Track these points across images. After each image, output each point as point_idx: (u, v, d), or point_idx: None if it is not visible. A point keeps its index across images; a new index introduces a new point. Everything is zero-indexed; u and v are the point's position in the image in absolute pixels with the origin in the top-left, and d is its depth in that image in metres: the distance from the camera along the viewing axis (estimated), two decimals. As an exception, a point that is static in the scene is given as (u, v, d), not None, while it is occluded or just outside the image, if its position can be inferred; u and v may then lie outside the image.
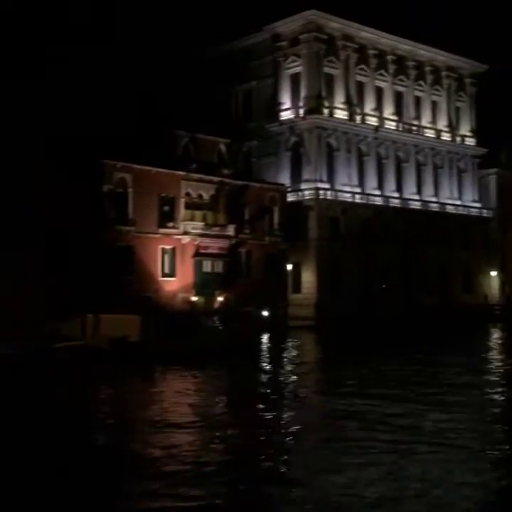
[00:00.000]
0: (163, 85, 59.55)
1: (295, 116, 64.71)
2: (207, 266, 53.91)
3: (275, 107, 66.64)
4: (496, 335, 54.93)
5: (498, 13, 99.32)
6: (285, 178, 65.11)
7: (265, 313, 54.75)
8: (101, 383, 25.43)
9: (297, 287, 63.43)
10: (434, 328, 57.75)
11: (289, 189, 63.69)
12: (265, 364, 32.05)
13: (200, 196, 53.95)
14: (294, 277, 63.44)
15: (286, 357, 36.80)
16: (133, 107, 54.10)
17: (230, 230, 54.93)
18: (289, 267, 61.19)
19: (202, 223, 53.25)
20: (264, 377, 28.07)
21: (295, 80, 65.83)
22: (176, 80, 63.77)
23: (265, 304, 54.97)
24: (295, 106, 65.20)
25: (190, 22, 72.18)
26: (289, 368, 31.13)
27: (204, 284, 53.42)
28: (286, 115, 65.71)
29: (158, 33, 70.37)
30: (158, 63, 64.54)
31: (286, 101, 66.27)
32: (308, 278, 62.84)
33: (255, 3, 69.09)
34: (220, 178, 55.09)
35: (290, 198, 63.19)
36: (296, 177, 64.84)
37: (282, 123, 65.53)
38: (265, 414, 20.44)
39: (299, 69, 65.25)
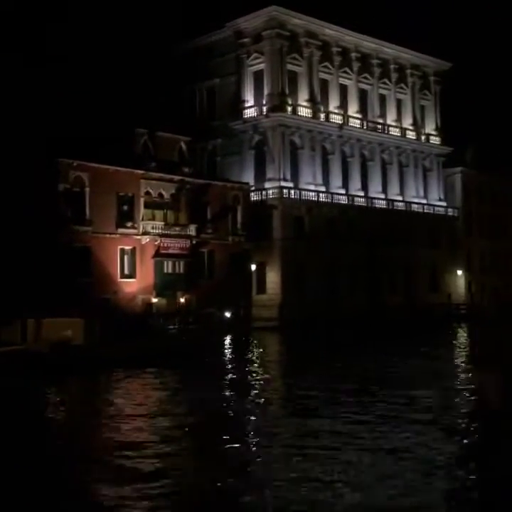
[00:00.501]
0: (124, 83, 58.15)
1: (258, 114, 63.72)
2: (168, 266, 52.65)
3: (238, 104, 65.60)
4: (460, 335, 54.38)
5: (462, 11, 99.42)
6: (249, 177, 64.09)
7: (228, 314, 53.79)
8: (38, 388, 24.18)
9: (262, 288, 62.41)
10: (399, 328, 57.14)
11: (252, 188, 62.71)
12: (211, 367, 30.47)
13: (160, 195, 52.70)
14: (258, 278, 62.42)
15: (238, 359, 35.55)
16: (91, 104, 52.67)
17: (192, 230, 53.74)
18: (253, 267, 60.20)
19: (162, 223, 51.98)
20: (201, 384, 26.00)
21: (258, 77, 64.83)
22: (139, 77, 62.37)
23: (228, 305, 54.01)
24: (258, 104, 64.22)
25: (154, 19, 70.85)
26: (232, 374, 28.99)
27: (165, 285, 52.16)
28: (249, 113, 64.69)
29: (121, 30, 69.00)
30: (120, 61, 63.16)
31: (249, 99, 65.26)
32: (272, 278, 61.87)
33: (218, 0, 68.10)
34: (180, 177, 53.88)
35: (254, 197, 62.25)
36: (260, 176, 63.86)
37: (245, 121, 64.51)
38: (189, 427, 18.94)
39: (261, 66, 64.27)
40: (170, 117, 57.10)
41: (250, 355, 37.41)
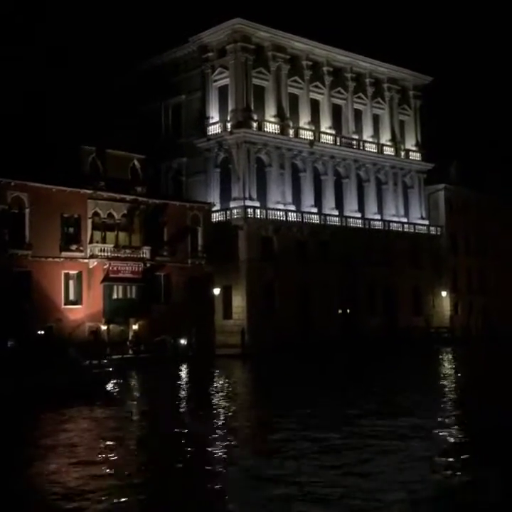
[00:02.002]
0: (75, 100, 55.66)
1: (222, 131, 60.98)
2: (118, 291, 49.61)
3: (203, 121, 62.94)
4: (446, 364, 49.28)
5: (442, 24, 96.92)
6: (215, 197, 61.26)
7: (184, 341, 50.64)
8: None
9: (228, 313, 59.31)
10: (375, 354, 53.33)
11: (217, 208, 59.90)
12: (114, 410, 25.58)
13: (110, 216, 49.84)
14: (224, 302, 59.37)
15: (148, 396, 31.21)
16: (35, 122, 50.14)
17: (145, 252, 50.78)
18: (217, 291, 57.07)
19: (112, 245, 49.05)
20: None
21: (223, 92, 62.17)
22: (95, 94, 60.02)
23: (187, 332, 50.90)
24: (223, 120, 61.50)
25: (120, 35, 68.85)
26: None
27: (115, 312, 49.10)
28: (213, 130, 61.98)
29: (84, 47, 66.98)
30: (77, 77, 60.93)
31: (214, 115, 62.57)
32: (238, 302, 58.76)
33: (184, 14, 65.90)
34: (133, 197, 51.04)
35: (219, 217, 59.44)
36: (226, 195, 61.00)
37: (210, 138, 61.78)
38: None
39: (226, 81, 61.62)
40: (126, 135, 54.30)
41: (174, 390, 34.03)
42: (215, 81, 62.69)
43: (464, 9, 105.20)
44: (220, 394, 30.02)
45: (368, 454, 16.41)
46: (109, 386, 30.86)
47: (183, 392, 32.12)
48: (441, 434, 19.14)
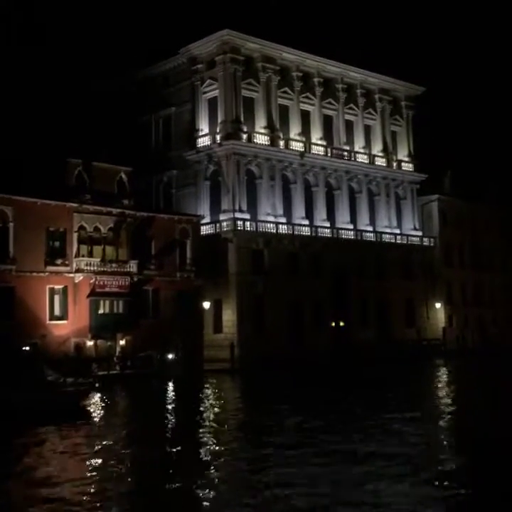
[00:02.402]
0: (63, 113, 55.10)
1: (212, 143, 60.38)
2: (105, 306, 48.77)
3: (193, 134, 62.35)
4: (440, 377, 48.07)
5: (433, 34, 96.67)
6: (205, 209, 60.63)
7: (172, 356, 49.74)
8: None
9: (219, 327, 58.52)
10: (367, 369, 52.41)
11: (207, 220, 59.24)
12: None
13: (96, 229, 49.09)
14: (215, 316, 58.60)
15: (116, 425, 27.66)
16: (20, 135, 49.51)
17: (133, 266, 50.00)
18: (207, 304, 56.29)
19: (98, 259, 48.28)
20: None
21: (213, 104, 61.62)
22: (82, 107, 59.48)
23: (175, 347, 50.04)
24: (212, 132, 60.91)
25: (110, 47, 68.46)
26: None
27: (102, 327, 48.23)
28: (203, 142, 61.40)
29: (74, 58, 66.55)
30: (64, 90, 60.46)
31: (203, 127, 62.02)
32: (229, 316, 57.96)
33: (174, 25, 65.50)
34: (120, 210, 50.32)
35: (209, 230, 58.76)
36: (216, 208, 60.34)
37: (199, 151, 61.16)
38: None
39: (215, 93, 61.08)
40: (115, 148, 53.71)
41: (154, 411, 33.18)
42: (205, 93, 62.18)
43: (456, 19, 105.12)
44: (198, 418, 28.93)
45: None
46: (84, 404, 29.84)
47: (160, 414, 30.04)
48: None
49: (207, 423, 26.58)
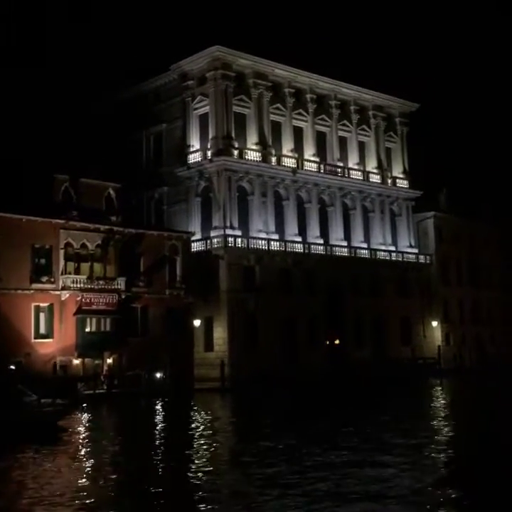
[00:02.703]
0: (51, 129, 54.63)
1: (203, 159, 59.83)
2: (91, 324, 47.96)
3: (184, 150, 61.83)
4: (437, 399, 45.54)
5: (427, 50, 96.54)
6: (196, 226, 59.93)
7: (160, 375, 48.79)
8: None
9: (210, 345, 57.59)
10: (364, 390, 50.83)
11: (198, 237, 58.58)
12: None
13: (84, 246, 48.38)
14: (206, 334, 57.72)
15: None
16: (7, 150, 49.01)
17: (121, 284, 49.25)
18: (197, 322, 55.49)
19: (85, 276, 47.51)
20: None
21: (204, 120, 61.14)
22: (72, 124, 59.04)
23: (165, 365, 49.11)
24: (203, 148, 60.38)
25: (102, 63, 68.29)
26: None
27: (89, 345, 47.39)
28: (194, 158, 60.85)
29: (65, 75, 66.30)
30: (55, 106, 60.09)
31: (195, 143, 61.51)
32: (220, 334, 57.05)
33: (166, 42, 65.29)
34: (108, 227, 49.65)
35: (200, 247, 58.07)
36: (207, 224, 59.65)
37: (190, 167, 60.60)
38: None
39: (206, 109, 60.63)
40: (105, 164, 53.17)
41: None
42: (196, 109, 61.76)
43: (450, 35, 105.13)
44: (185, 440, 27.94)
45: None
46: (60, 425, 28.69)
47: (142, 438, 28.38)
48: None
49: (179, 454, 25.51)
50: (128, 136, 65.74)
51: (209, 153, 59.51)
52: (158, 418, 36.68)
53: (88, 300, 47.39)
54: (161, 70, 64.15)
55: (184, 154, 61.65)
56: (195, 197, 60.84)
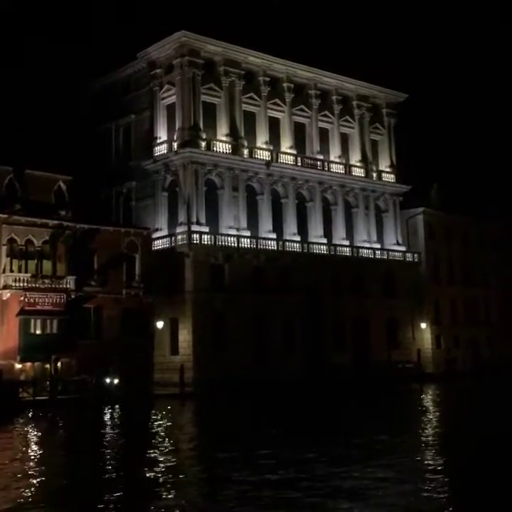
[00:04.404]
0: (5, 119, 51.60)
1: (168, 151, 56.55)
2: (36, 326, 44.80)
3: (151, 142, 58.61)
4: (424, 405, 41.52)
5: (415, 38, 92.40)
6: (162, 222, 56.75)
7: (112, 380, 45.43)
8: None
9: (175, 348, 54.29)
10: (341, 399, 46.85)
11: (164, 234, 55.32)
12: None
13: (29, 242, 45.24)
14: (171, 336, 54.43)
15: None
16: None
17: (70, 283, 46.07)
18: (160, 324, 52.18)
19: (28, 275, 44.37)
20: None
21: (171, 111, 57.87)
22: (34, 114, 56.00)
23: (117, 370, 45.78)
24: (170, 140, 57.10)
25: (71, 55, 65.14)
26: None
27: (33, 348, 44.21)
28: (160, 150, 57.59)
29: (38, 65, 63.35)
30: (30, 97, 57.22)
31: (162, 135, 58.23)
32: (185, 336, 53.73)
33: (135, 29, 62.00)
34: (57, 222, 46.49)
35: (165, 244, 54.81)
36: (174, 220, 56.36)
37: (156, 159, 57.36)
38: None
39: (173, 98, 57.36)
40: (57, 156, 50.02)
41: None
42: (163, 99, 58.54)
43: (439, 22, 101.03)
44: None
45: None
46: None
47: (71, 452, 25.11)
48: None
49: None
50: (97, 128, 62.73)
51: (175, 144, 56.21)
52: (92, 428, 33.22)
53: (32, 300, 44.26)
54: (130, 58, 61.05)
55: (151, 146, 58.45)
56: (162, 191, 57.56)
